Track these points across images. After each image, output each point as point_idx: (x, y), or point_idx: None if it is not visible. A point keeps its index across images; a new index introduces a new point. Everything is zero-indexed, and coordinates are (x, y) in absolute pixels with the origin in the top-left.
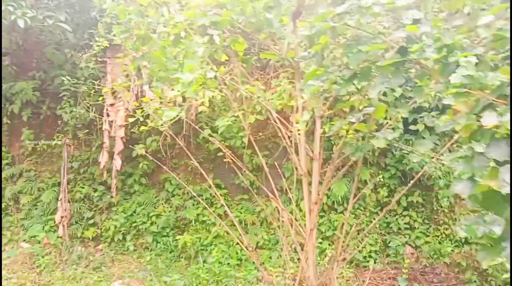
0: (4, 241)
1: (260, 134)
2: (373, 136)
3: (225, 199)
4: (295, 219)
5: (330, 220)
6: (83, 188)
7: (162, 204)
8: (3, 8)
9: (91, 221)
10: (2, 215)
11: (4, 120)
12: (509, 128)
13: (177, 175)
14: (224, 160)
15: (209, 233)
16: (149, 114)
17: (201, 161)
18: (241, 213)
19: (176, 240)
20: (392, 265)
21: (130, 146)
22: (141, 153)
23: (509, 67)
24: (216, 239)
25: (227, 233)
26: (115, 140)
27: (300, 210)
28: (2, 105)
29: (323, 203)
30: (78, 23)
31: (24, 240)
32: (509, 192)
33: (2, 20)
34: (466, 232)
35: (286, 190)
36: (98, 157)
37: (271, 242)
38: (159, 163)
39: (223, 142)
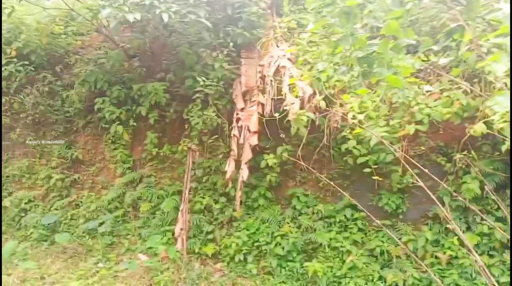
0: (121, 250)
1: (421, 148)
2: None
3: (362, 223)
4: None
5: (503, 261)
6: (203, 198)
7: (288, 222)
8: (148, 2)
9: (210, 236)
10: (121, 222)
11: (130, 122)
12: None
13: (305, 190)
14: (373, 177)
15: (343, 263)
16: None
17: (335, 176)
18: (382, 242)
19: (304, 267)
20: None
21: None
22: (270, 163)
23: None
24: (351, 270)
25: (366, 265)
26: (243, 148)
27: (462, 245)
28: (129, 107)
29: (494, 239)
30: (214, 21)
31: (141, 252)
32: None
33: (146, 14)
34: None
35: (442, 218)
36: (222, 165)
37: (422, 282)
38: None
39: (367, 156)
